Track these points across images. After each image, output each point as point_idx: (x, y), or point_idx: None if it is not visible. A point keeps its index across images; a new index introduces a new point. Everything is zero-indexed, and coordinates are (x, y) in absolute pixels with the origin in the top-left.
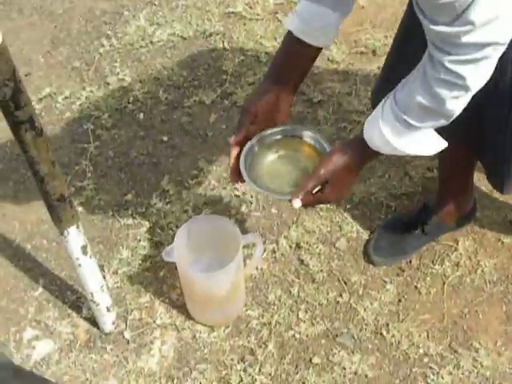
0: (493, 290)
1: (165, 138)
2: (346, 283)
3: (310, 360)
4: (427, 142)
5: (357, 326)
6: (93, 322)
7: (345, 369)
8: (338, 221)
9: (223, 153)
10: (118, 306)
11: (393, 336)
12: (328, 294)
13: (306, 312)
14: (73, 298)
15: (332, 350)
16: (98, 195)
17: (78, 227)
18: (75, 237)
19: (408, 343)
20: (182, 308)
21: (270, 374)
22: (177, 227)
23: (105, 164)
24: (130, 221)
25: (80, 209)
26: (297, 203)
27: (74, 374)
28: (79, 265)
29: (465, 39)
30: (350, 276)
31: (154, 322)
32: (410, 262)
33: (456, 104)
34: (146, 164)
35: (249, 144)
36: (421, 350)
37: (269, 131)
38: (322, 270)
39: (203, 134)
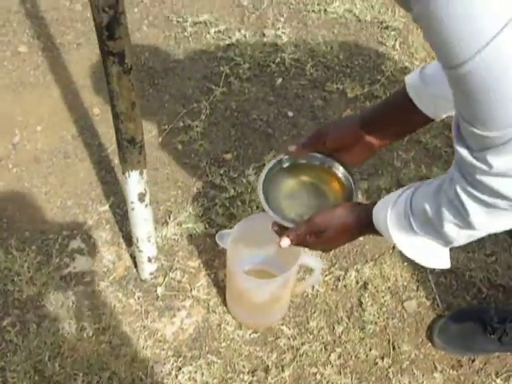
0: None
1: (290, 114)
2: (394, 348)
3: None
4: (427, 253)
5: None
6: (135, 261)
7: None
8: (418, 279)
9: None
10: (166, 258)
11: None
12: (370, 350)
13: (339, 357)
14: (129, 230)
15: None
16: (202, 140)
17: (141, 173)
18: (135, 182)
19: None
20: (222, 291)
21: None
22: (257, 208)
23: (222, 113)
24: (218, 180)
25: (179, 146)
26: (284, 242)
27: (94, 302)
28: (132, 209)
29: (479, 177)
30: (403, 343)
31: (191, 290)
32: (473, 360)
33: (456, 233)
34: (260, 131)
35: (280, 157)
36: None
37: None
38: (376, 323)
39: None
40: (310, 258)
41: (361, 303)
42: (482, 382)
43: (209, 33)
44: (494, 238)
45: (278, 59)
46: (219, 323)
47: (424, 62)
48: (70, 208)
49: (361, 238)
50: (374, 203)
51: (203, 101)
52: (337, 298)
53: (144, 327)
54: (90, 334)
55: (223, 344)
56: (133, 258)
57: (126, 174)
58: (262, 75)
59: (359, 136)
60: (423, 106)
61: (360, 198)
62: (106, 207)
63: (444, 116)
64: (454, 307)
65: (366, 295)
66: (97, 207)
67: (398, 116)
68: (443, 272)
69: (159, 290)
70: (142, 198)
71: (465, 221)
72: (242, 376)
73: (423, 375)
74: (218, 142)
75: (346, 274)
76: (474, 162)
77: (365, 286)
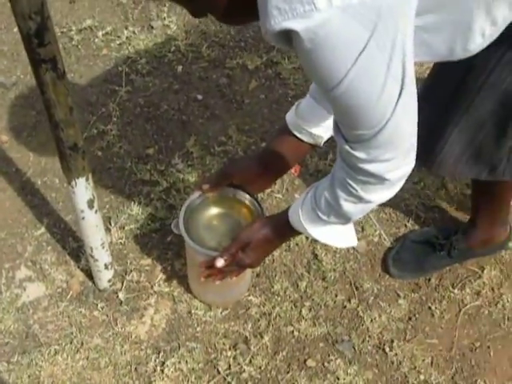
0: (510, 328)
1: (199, 97)
2: (357, 288)
3: (305, 362)
4: (338, 236)
5: (359, 336)
6: (89, 274)
7: (338, 379)
8: (361, 220)
9: (256, 123)
10: (118, 263)
11: (395, 355)
12: (336, 296)
13: (310, 310)
14: (74, 246)
15: (329, 355)
16: (120, 143)
17: (87, 179)
18: (83, 189)
19: (409, 366)
20: (183, 279)
21: (260, 368)
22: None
23: (132, 111)
24: (147, 176)
25: (99, 153)
26: (220, 263)
27: (59, 324)
28: (83, 218)
29: (356, 163)
30: (363, 282)
31: (152, 287)
32: (429, 279)
33: (353, 208)
34: (175, 120)
35: (190, 199)
36: (421, 376)
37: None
38: (334, 270)
39: (239, 100)
40: None
41: (316, 255)
42: (441, 296)
43: (97, 37)
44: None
45: (172, 48)
46: (189, 310)
47: None
48: (5, 240)
49: (298, 196)
50: (285, 211)
51: (110, 103)
52: (293, 257)
53: (116, 334)
54: (65, 356)
55: (198, 329)
56: (84, 271)
57: (73, 183)
58: (161, 67)
59: (259, 172)
60: (305, 137)
61: None
62: (43, 230)
63: (324, 140)
64: (400, 237)
65: (319, 247)
66: (32, 232)
67: (287, 149)
68: (382, 207)
69: (121, 295)
70: (91, 204)
71: (355, 196)
72: (224, 353)
73: (389, 305)
74: (137, 140)
75: None
76: (352, 151)
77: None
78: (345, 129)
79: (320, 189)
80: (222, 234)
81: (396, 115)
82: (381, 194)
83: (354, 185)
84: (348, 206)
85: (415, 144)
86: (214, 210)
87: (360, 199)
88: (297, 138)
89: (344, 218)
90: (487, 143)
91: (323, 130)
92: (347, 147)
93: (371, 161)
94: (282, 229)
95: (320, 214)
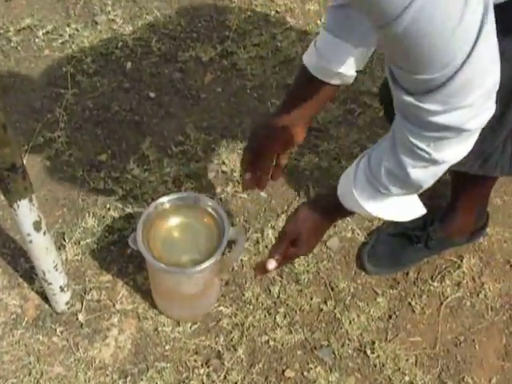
0: (494, 318)
1: (152, 95)
2: (332, 289)
3: (283, 372)
4: (403, 209)
5: (339, 340)
6: (45, 297)
7: None
8: None
9: (215, 119)
10: (76, 282)
11: (377, 357)
12: (312, 299)
13: (285, 317)
14: (26, 267)
15: (308, 364)
16: (69, 150)
17: (30, 200)
18: (27, 211)
19: (393, 367)
20: (146, 294)
21: (236, 383)
22: (152, 200)
23: (81, 115)
24: (101, 185)
25: (47, 163)
26: (271, 264)
27: (16, 354)
28: (30, 241)
29: (426, 118)
30: (339, 281)
31: (114, 305)
32: (407, 273)
33: (423, 174)
34: (127, 122)
35: (146, 211)
36: (406, 378)
37: (168, 197)
38: (308, 271)
39: (195, 95)
40: (233, 229)
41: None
42: (420, 290)
43: (37, 36)
44: None
45: (120, 44)
46: (155, 328)
47: (264, 6)
48: None
49: (262, 194)
50: (332, 192)
51: (56, 108)
52: (262, 258)
53: (79, 360)
54: None
55: (167, 347)
56: (40, 293)
57: (15, 206)
58: (108, 65)
59: (288, 131)
60: (331, 79)
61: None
62: None
63: (353, 78)
64: (374, 230)
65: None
66: None
67: (312, 96)
68: None
69: (81, 317)
70: (37, 226)
71: (426, 159)
72: (197, 371)
73: (368, 304)
74: (88, 146)
75: (262, 234)
76: (419, 104)
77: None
78: (408, 76)
79: (375, 158)
80: (183, 246)
81: (478, 47)
82: (455, 150)
83: (423, 145)
84: (417, 172)
85: (497, 84)
86: (173, 221)
87: (432, 162)
88: (321, 81)
89: (413, 188)
90: (482, 132)
91: (351, 67)
92: (412, 100)
93: (446, 111)
94: (332, 213)
95: (380, 188)
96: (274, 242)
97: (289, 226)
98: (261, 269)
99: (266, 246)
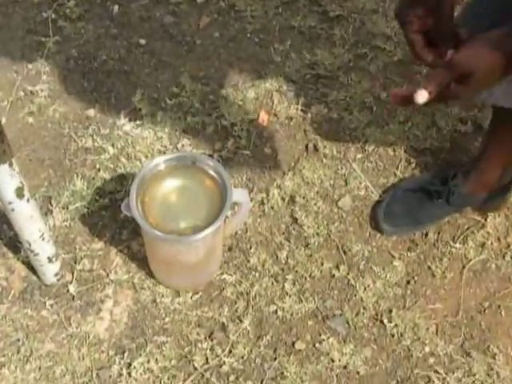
0: None
1: (142, 41)
2: (345, 253)
3: (293, 344)
4: None
5: (353, 308)
6: (32, 267)
7: (333, 361)
8: (344, 173)
9: (213, 68)
10: (65, 250)
11: (395, 326)
12: (322, 264)
13: (294, 284)
14: (10, 234)
15: (320, 335)
16: (53, 105)
17: (10, 165)
18: (7, 177)
19: (412, 337)
20: (143, 262)
21: (242, 358)
22: (146, 158)
23: (65, 66)
24: (90, 143)
25: (29, 120)
26: (422, 97)
27: (3, 330)
28: (12, 209)
29: None
30: (352, 244)
31: (108, 275)
32: (426, 234)
33: None
34: (116, 72)
35: (140, 173)
36: (426, 348)
37: (164, 157)
38: (318, 234)
39: (190, 42)
40: (236, 191)
41: (295, 219)
42: (441, 252)
43: None
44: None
45: None
46: (153, 299)
47: None
48: None
49: (268, 151)
50: None
51: (37, 58)
52: (268, 224)
53: (71, 336)
54: (13, 368)
55: (167, 319)
56: (26, 264)
57: None
58: (93, 8)
59: None
60: None
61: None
62: None
63: None
64: (389, 187)
65: (297, 209)
66: None
67: None
68: (367, 155)
69: (72, 289)
70: (20, 193)
71: None
72: (200, 345)
73: (384, 269)
74: (73, 100)
75: (267, 194)
76: None
77: (292, 199)
78: None
79: None
80: (181, 212)
81: None
82: None
83: None
84: None
85: None
86: (170, 183)
87: None
88: None
89: None
90: None
91: None
92: None
93: None
94: None
95: None
96: (279, 203)
97: (461, 58)
98: (405, 99)
99: (272, 207)
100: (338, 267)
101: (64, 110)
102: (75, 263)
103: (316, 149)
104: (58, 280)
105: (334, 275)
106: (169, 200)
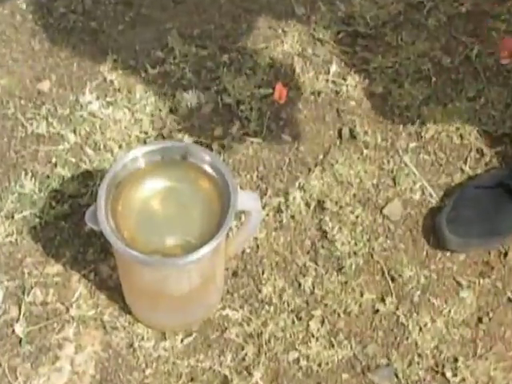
0: None
1: None
2: (393, 279)
3: None
4: None
5: (404, 356)
6: None
7: None
8: (391, 168)
9: (210, 24)
10: (9, 276)
11: (462, 381)
12: (362, 295)
13: (322, 323)
14: None
15: None
16: None
17: None
18: None
19: None
20: (115, 292)
21: None
22: (120, 149)
23: (10, 22)
24: (43, 128)
25: None
26: None
27: None
28: None
29: None
30: (402, 268)
31: (68, 310)
32: (506, 254)
33: None
34: (79, 31)
35: (112, 171)
36: None
37: (144, 149)
38: (355, 253)
39: None
40: (244, 195)
41: (324, 232)
42: None
43: None
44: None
45: None
46: (130, 343)
47: None
48: None
49: (287, 138)
50: None
51: None
52: (288, 239)
53: None
54: None
55: (148, 371)
56: None
57: None
58: None
59: None
60: None
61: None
62: None
63: None
64: (454, 188)
65: (327, 219)
66: None
67: None
68: (421, 145)
69: (18, 329)
70: None
71: None
72: None
73: (446, 301)
74: (21, 70)
75: (286, 199)
76: None
77: (320, 205)
78: None
79: None
80: (168, 224)
81: None
82: None
83: None
84: None
85: None
86: (153, 185)
87: None
88: None
89: None
90: None
91: None
92: None
93: None
94: None
95: None
96: (303, 211)
97: None
98: None
99: (293, 217)
100: (383, 299)
101: (7, 82)
102: (23, 294)
103: (353, 135)
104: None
105: (377, 310)
106: (151, 208)
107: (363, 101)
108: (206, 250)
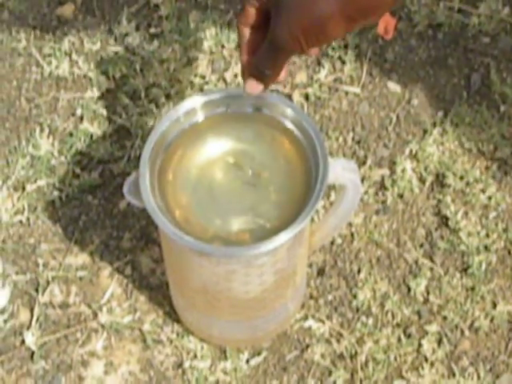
0: None
1: None
2: None
3: None
4: None
5: None
6: None
7: None
8: None
9: None
10: (18, 268)
11: None
12: (495, 306)
13: (440, 342)
14: None
15: None
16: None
17: None
18: None
19: None
20: (159, 292)
21: None
22: (168, 99)
23: None
24: (65, 68)
25: None
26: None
27: None
28: None
29: None
30: None
31: (95, 316)
32: None
33: None
34: None
35: (158, 128)
36: None
37: (203, 98)
38: (487, 248)
39: None
40: (337, 163)
41: (444, 218)
42: None
43: None
44: None
45: None
46: (178, 362)
47: None
48: None
49: (394, 88)
50: None
51: None
52: (393, 226)
53: None
54: None
55: None
56: None
57: None
58: None
59: None
60: None
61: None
62: None
63: None
64: None
65: (448, 199)
66: None
67: None
68: None
69: (29, 339)
70: None
71: None
72: None
73: None
74: None
75: (393, 170)
76: None
77: (439, 181)
78: None
79: None
80: (233, 202)
81: None
82: None
83: None
84: None
85: None
86: (216, 147)
87: None
88: None
89: None
90: None
91: None
92: None
93: None
94: None
95: None
96: (415, 186)
97: None
98: None
99: (401, 196)
100: None
101: (18, 5)
102: (37, 292)
103: (486, 85)
104: (5, 322)
105: None
106: (211, 178)
107: (500, 37)
108: (284, 237)
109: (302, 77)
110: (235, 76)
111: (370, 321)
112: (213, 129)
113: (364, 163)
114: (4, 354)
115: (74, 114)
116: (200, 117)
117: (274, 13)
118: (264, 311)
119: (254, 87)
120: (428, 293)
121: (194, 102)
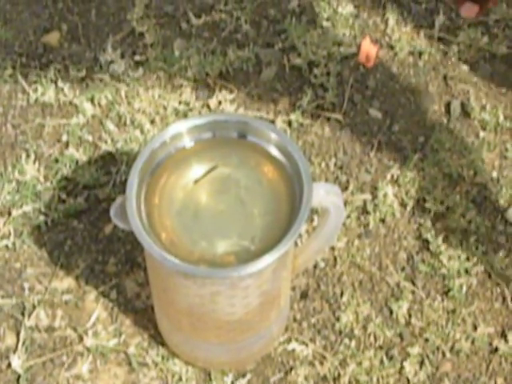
0: None
1: None
2: None
3: None
4: None
5: None
6: None
7: None
8: None
9: None
10: (4, 292)
11: None
12: (475, 328)
13: (422, 364)
14: None
15: None
16: None
17: None
18: None
19: None
20: (144, 316)
21: None
22: (153, 124)
23: None
24: (51, 96)
25: None
26: (470, 10)
27: None
28: None
29: None
30: None
31: (81, 340)
32: None
33: None
34: None
35: (146, 151)
36: None
37: (187, 123)
38: (467, 271)
39: None
40: (320, 187)
41: (425, 242)
42: None
43: None
44: None
45: None
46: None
47: None
48: None
49: (375, 114)
50: None
51: None
52: (376, 250)
53: None
54: None
55: None
56: None
57: None
58: None
59: None
60: None
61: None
62: None
63: None
64: None
65: (429, 223)
66: None
67: None
68: None
69: (15, 362)
70: None
71: None
72: None
73: None
74: (22, 17)
75: (374, 195)
76: None
77: (420, 205)
78: None
79: None
80: (219, 224)
81: None
82: None
83: None
84: None
85: None
86: (201, 171)
87: None
88: None
89: None
90: None
91: None
92: None
93: None
94: None
95: None
96: (396, 211)
97: None
98: None
99: (382, 220)
100: (503, 334)
101: (4, 33)
102: (22, 315)
103: (466, 112)
104: None
105: (496, 349)
106: (197, 202)
107: (479, 65)
108: (268, 259)
109: (284, 103)
110: (219, 103)
111: (353, 343)
112: (198, 153)
113: (346, 188)
114: None
115: (59, 140)
116: (186, 141)
117: None
118: (248, 333)
119: (470, 9)
120: (410, 315)
121: (180, 127)
